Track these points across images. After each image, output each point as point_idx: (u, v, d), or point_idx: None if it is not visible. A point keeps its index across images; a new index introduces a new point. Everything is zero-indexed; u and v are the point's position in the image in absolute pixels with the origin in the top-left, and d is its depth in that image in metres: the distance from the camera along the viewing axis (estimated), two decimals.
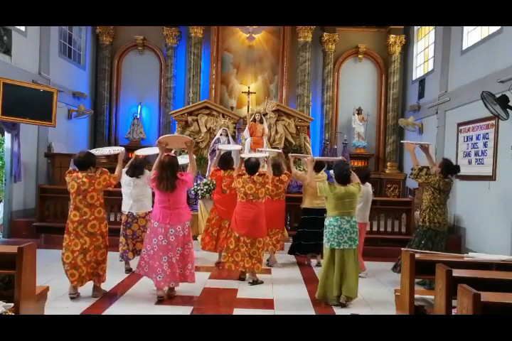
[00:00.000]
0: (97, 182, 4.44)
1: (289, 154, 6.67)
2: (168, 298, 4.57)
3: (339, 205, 4.55)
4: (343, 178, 4.63)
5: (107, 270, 4.71)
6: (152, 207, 5.76)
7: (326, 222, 4.66)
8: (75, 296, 4.48)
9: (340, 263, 4.53)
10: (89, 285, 4.60)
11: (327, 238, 4.59)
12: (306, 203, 6.09)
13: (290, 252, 6.34)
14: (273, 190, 5.98)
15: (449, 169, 5.29)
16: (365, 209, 5.69)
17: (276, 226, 6.09)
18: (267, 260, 6.12)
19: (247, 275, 5.29)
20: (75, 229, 4.42)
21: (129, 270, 5.60)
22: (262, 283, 5.22)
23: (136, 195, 5.49)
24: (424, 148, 5.41)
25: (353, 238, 4.56)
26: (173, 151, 5.12)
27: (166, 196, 4.40)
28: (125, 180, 5.52)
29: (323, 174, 6.07)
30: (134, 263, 5.66)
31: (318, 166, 6.04)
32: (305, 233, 6.03)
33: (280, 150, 6.92)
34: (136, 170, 5.48)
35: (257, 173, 5.21)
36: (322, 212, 5.62)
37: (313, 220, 5.93)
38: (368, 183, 5.77)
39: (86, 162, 4.49)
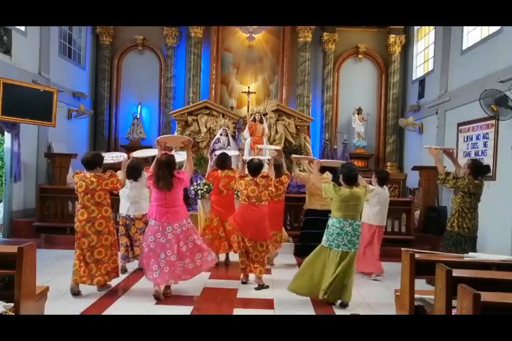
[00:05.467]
0: (105, 183, 4.56)
1: (292, 156, 6.61)
2: (163, 296, 4.55)
3: (343, 207, 4.49)
4: (351, 178, 4.54)
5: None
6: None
7: (329, 222, 4.61)
8: (76, 293, 4.56)
9: (337, 262, 4.42)
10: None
11: (326, 237, 4.54)
12: (310, 204, 6.02)
13: (297, 254, 6.23)
14: (273, 192, 5.92)
15: (479, 170, 4.92)
16: (383, 212, 5.58)
17: (275, 227, 5.99)
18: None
19: (254, 279, 5.15)
20: (83, 228, 4.53)
21: (124, 270, 5.54)
22: (267, 287, 5.09)
23: (133, 196, 5.48)
24: (449, 154, 5.17)
25: (353, 241, 4.47)
26: (173, 151, 5.11)
27: (163, 194, 4.43)
28: None
29: (328, 175, 5.98)
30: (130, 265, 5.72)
31: (322, 167, 6.02)
32: (311, 234, 5.86)
33: (279, 148, 6.74)
34: (134, 172, 5.46)
35: (259, 175, 5.14)
36: (325, 213, 5.60)
37: (316, 221, 5.83)
38: (385, 186, 5.68)
39: (93, 162, 4.64)
